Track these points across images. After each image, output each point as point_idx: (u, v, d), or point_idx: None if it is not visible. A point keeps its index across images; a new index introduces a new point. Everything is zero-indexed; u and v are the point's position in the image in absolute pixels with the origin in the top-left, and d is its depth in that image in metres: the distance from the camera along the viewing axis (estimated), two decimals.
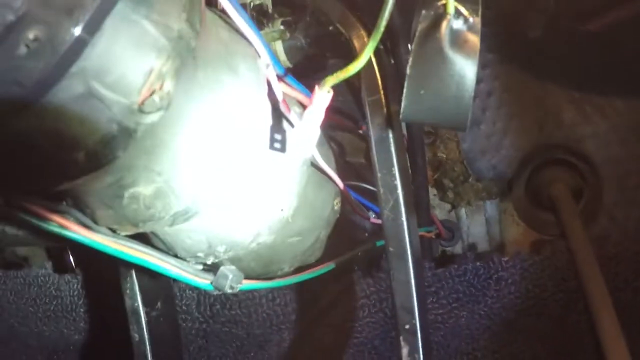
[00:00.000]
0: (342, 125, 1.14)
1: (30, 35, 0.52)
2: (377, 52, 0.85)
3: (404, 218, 0.89)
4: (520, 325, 1.19)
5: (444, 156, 1.31)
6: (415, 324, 0.89)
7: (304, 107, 0.92)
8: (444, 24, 0.76)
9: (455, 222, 1.36)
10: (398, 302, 0.90)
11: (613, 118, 1.29)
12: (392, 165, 0.88)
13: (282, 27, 0.94)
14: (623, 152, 1.27)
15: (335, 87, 0.88)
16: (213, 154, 0.74)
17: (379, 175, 0.89)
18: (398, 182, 0.88)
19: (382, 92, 0.87)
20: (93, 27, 0.56)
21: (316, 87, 0.76)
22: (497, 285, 1.17)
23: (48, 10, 0.53)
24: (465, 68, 0.76)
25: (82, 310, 1.40)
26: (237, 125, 0.75)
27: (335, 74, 0.76)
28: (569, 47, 1.28)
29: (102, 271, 1.22)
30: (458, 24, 0.77)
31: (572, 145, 1.30)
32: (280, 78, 0.86)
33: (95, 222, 0.77)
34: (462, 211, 1.37)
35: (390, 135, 0.88)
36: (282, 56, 1.00)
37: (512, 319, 1.19)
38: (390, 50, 0.95)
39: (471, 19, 0.78)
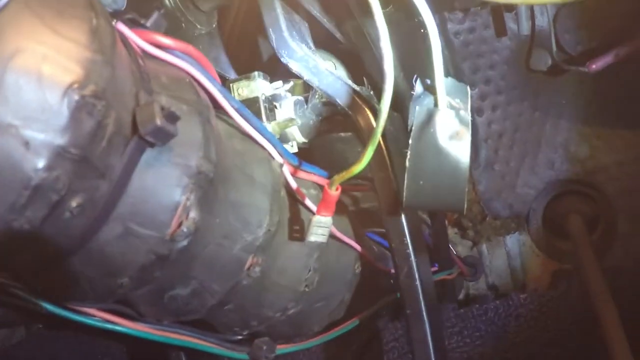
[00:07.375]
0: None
1: (73, 203, 0.62)
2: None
3: (417, 283, 0.97)
4: (542, 357, 1.26)
5: None
6: None
7: (320, 187, 1.01)
8: (437, 119, 0.84)
9: (477, 258, 1.44)
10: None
11: (621, 151, 1.34)
12: (404, 236, 0.97)
13: (292, 117, 1.02)
14: (634, 184, 1.32)
15: None
16: (238, 255, 0.83)
17: (392, 245, 0.98)
18: (410, 251, 0.97)
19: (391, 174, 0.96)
20: (123, 182, 0.66)
21: (325, 187, 0.85)
22: (517, 322, 1.25)
23: (85, 181, 0.62)
24: (459, 157, 0.84)
25: None
26: (256, 226, 0.84)
27: (341, 174, 0.84)
28: (574, 84, 1.34)
29: None
30: (449, 117, 0.85)
31: (585, 179, 1.35)
32: (295, 169, 0.96)
33: (141, 315, 0.88)
34: (484, 247, 1.44)
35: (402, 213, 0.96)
36: (298, 136, 1.08)
37: (534, 352, 1.26)
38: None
39: (461, 111, 0.86)
